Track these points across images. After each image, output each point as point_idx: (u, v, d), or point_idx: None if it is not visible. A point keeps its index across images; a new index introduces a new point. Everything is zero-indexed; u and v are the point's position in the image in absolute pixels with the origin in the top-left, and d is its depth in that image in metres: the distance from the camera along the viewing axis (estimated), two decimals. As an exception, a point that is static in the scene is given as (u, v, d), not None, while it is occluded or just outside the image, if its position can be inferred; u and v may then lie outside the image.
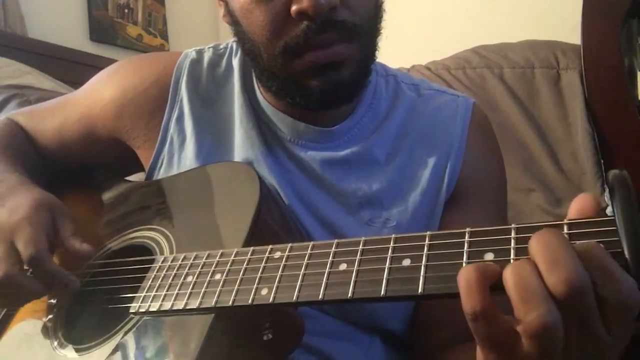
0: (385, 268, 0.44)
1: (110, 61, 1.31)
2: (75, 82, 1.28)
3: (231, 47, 0.82)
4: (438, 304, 0.63)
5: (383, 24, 0.71)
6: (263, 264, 0.51)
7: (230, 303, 0.51)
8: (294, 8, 0.61)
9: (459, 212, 0.72)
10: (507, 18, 2.02)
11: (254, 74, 0.77)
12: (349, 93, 0.69)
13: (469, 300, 0.37)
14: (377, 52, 0.71)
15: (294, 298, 0.47)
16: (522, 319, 0.36)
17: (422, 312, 0.72)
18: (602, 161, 1.51)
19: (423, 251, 0.43)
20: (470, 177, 0.74)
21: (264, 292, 0.49)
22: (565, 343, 0.36)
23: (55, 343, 0.66)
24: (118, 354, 0.58)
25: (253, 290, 0.50)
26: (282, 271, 0.50)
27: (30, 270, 0.64)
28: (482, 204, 0.74)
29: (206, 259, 0.57)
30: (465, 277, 0.38)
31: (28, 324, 0.71)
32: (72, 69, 1.99)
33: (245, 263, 0.53)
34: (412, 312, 0.73)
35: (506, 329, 0.37)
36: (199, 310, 0.53)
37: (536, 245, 0.37)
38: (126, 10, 2.50)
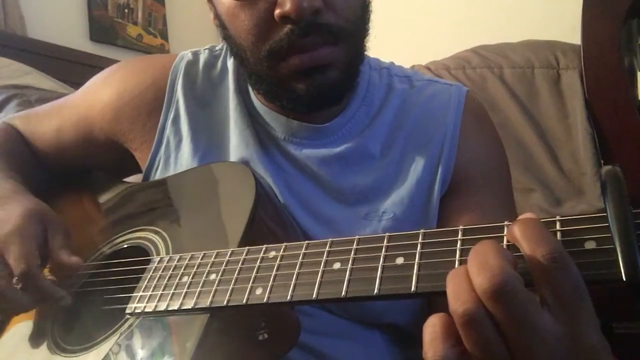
0: (378, 267, 0.44)
1: (110, 61, 1.32)
2: (75, 82, 1.29)
3: (226, 49, 0.82)
4: None
5: (373, 24, 0.70)
6: (258, 263, 0.51)
7: (225, 303, 0.51)
8: (277, 12, 0.61)
9: (461, 200, 0.71)
10: (507, 18, 2.02)
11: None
12: (336, 95, 0.69)
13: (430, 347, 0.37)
14: (365, 52, 0.71)
15: (288, 297, 0.47)
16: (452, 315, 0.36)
17: (438, 304, 0.71)
18: (602, 161, 1.50)
19: (416, 249, 0.43)
20: (468, 163, 0.73)
21: (259, 291, 0.49)
22: (507, 345, 0.36)
23: (52, 345, 0.66)
24: (114, 355, 0.58)
25: (248, 290, 0.50)
26: (277, 271, 0.50)
27: (21, 285, 0.64)
28: (484, 188, 0.72)
29: (201, 259, 0.57)
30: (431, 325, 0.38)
31: (25, 326, 0.71)
32: (72, 69, 1.99)
33: (240, 263, 0.53)
34: (425, 304, 0.73)
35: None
36: (194, 311, 0.53)
37: (470, 254, 0.37)
38: (126, 10, 2.50)
